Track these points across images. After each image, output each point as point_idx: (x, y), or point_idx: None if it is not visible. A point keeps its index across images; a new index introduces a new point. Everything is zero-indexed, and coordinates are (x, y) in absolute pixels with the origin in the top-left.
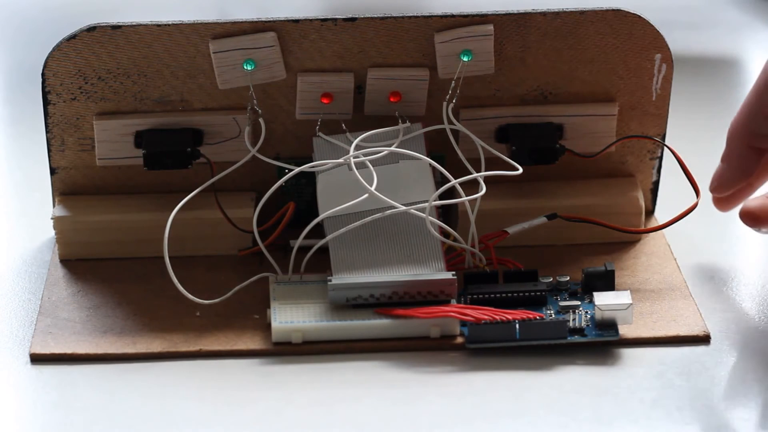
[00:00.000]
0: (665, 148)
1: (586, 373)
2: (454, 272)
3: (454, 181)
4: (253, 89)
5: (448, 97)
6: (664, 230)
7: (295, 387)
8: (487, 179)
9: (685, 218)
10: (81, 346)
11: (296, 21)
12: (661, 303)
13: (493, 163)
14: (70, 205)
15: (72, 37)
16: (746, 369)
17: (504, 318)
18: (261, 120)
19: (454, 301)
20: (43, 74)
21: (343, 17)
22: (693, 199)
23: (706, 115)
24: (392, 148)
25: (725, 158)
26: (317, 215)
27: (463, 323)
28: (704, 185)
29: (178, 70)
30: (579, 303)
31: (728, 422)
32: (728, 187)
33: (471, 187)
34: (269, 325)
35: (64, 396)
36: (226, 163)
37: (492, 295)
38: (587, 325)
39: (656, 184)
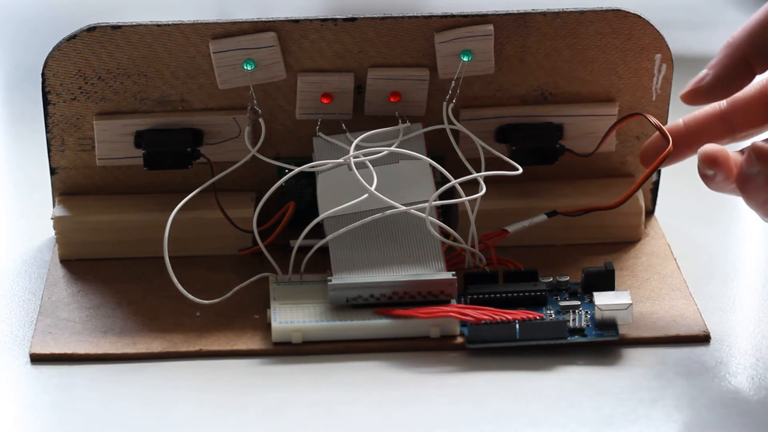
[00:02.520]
0: None
1: (586, 373)
2: (454, 272)
3: (454, 181)
4: (253, 89)
5: (448, 97)
6: (663, 230)
7: (295, 387)
8: (487, 179)
9: (685, 218)
10: (81, 346)
11: (296, 21)
12: (661, 303)
13: (493, 163)
14: (70, 205)
15: (72, 37)
16: (746, 369)
17: (504, 318)
18: (261, 120)
19: (454, 301)
20: (43, 74)
21: (343, 17)
22: (693, 199)
23: None
24: (392, 148)
25: (713, 66)
26: (317, 215)
27: (463, 323)
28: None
29: (178, 70)
30: (579, 303)
31: (728, 422)
32: (703, 97)
33: (471, 187)
34: (269, 325)
35: (64, 396)
36: (226, 163)
37: (492, 295)
38: (587, 325)
39: (656, 184)
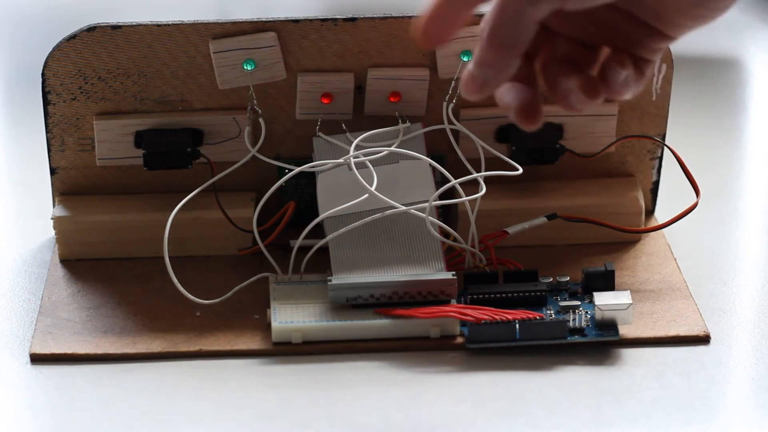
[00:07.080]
0: (665, 148)
1: (586, 373)
2: (454, 272)
3: (454, 181)
4: (253, 89)
5: (448, 97)
6: (664, 230)
7: (295, 387)
8: (487, 179)
9: (685, 218)
10: (81, 346)
11: (296, 21)
12: (661, 303)
13: (493, 163)
14: (70, 205)
15: (72, 37)
16: (746, 369)
17: (504, 318)
18: (261, 120)
19: (454, 301)
20: (43, 74)
21: (343, 17)
22: (693, 199)
23: (706, 115)
24: (392, 148)
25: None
26: (317, 215)
27: (463, 323)
28: (704, 185)
29: (178, 70)
30: (579, 303)
31: (728, 422)
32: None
33: (471, 187)
34: (269, 325)
35: (64, 396)
36: (226, 163)
37: (492, 295)
38: (587, 325)
39: (656, 184)
